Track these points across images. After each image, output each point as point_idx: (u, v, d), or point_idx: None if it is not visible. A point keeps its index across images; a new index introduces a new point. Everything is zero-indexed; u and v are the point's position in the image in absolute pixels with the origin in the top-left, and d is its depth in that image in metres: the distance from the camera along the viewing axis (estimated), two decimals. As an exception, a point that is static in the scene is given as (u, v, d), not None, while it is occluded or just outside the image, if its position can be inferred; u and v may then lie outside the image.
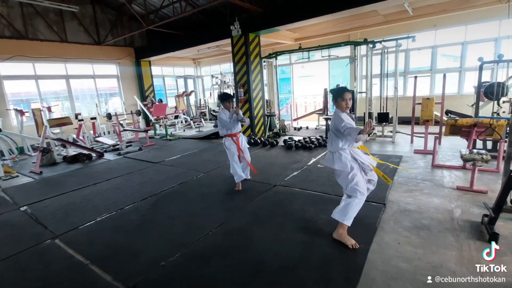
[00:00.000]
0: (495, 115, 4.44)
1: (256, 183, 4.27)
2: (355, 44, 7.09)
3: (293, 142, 6.62)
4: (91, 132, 8.71)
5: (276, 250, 2.54)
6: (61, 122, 7.51)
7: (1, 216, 3.76)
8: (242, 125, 4.11)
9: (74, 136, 8.02)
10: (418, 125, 6.01)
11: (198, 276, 2.29)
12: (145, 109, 10.34)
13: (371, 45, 6.70)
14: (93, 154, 6.90)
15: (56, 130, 7.70)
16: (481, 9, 7.15)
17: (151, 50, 11.13)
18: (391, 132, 6.78)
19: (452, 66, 8.44)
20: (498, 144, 4.09)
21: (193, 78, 14.85)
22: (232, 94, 8.54)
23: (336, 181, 2.75)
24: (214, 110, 13.31)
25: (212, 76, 13.00)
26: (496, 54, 5.68)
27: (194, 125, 10.96)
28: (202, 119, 11.73)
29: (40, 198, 4.30)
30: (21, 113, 7.72)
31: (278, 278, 2.20)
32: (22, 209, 3.94)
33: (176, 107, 11.68)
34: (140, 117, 10.09)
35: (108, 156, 7.03)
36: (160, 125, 9.93)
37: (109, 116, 8.72)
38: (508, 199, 2.56)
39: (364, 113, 7.11)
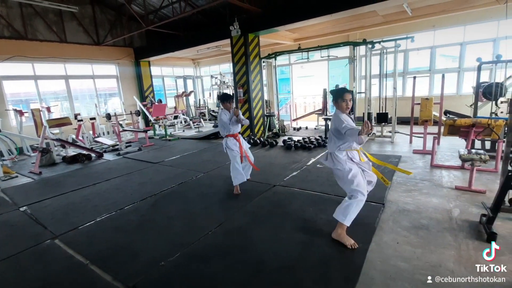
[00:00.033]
0: (493, 116, 4.46)
1: (256, 183, 4.28)
2: (354, 44, 7.12)
3: (293, 142, 6.63)
4: (91, 132, 8.71)
5: (275, 250, 2.55)
6: (61, 122, 7.50)
7: (1, 216, 3.75)
8: (241, 125, 4.09)
9: (74, 136, 8.02)
10: (417, 125, 6.03)
11: (197, 276, 2.29)
12: (144, 110, 10.34)
13: (370, 46, 6.72)
14: (93, 155, 6.90)
15: (56, 130, 7.70)
16: (479, 9, 7.17)
17: (151, 51, 11.13)
18: (390, 132, 6.80)
19: (450, 66, 8.47)
20: (496, 144, 4.11)
21: (192, 79, 14.86)
22: (231, 94, 8.54)
23: (335, 181, 2.76)
24: (213, 111, 13.32)
25: (212, 77, 13.01)
26: (495, 55, 5.69)
27: (194, 125, 10.97)
28: (202, 120, 11.73)
29: (39, 198, 4.30)
30: (21, 113, 7.72)
31: (278, 278, 2.20)
32: (21, 209, 3.94)
33: (175, 108, 11.68)
34: (140, 117, 10.09)
35: (108, 156, 7.03)
36: (159, 126, 9.93)
37: (108, 117, 8.72)
38: (506, 199, 2.57)
39: (363, 113, 7.13)
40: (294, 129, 9.37)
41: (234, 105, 3.92)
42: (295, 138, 7.25)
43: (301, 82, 11.96)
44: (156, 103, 10.44)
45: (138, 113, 9.88)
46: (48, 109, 8.44)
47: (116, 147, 7.68)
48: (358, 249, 2.45)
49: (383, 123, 6.94)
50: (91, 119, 9.02)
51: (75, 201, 4.13)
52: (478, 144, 4.95)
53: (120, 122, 9.17)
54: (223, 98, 3.90)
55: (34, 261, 2.67)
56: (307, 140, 6.72)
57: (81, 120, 8.10)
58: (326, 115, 8.22)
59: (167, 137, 9.14)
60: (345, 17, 7.02)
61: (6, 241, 3.10)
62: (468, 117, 5.00)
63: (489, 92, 4.80)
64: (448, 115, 5.71)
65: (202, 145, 7.75)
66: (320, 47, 7.69)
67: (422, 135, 5.56)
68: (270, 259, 2.43)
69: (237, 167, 3.92)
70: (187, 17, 8.71)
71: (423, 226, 2.76)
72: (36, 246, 2.91)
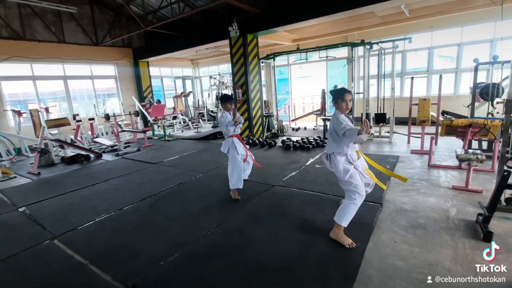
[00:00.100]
0: (489, 116, 4.49)
1: (255, 183, 4.30)
2: (353, 45, 7.15)
3: (291, 142, 6.65)
4: (89, 133, 8.70)
5: (274, 250, 2.57)
6: (59, 123, 7.48)
7: (0, 217, 3.75)
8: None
9: (72, 137, 8.01)
10: (414, 125, 6.07)
11: (197, 275, 2.31)
12: (143, 110, 10.33)
13: (368, 46, 6.76)
14: (91, 155, 6.90)
15: (54, 131, 7.68)
16: (476, 11, 7.22)
17: (149, 51, 11.13)
18: (388, 132, 6.84)
19: (448, 67, 8.52)
20: (493, 144, 4.14)
21: (191, 79, 14.86)
22: (231, 95, 8.55)
23: (334, 181, 2.79)
24: (212, 111, 13.31)
25: (210, 77, 13.00)
26: (491, 56, 5.74)
27: (192, 126, 10.97)
28: (201, 120, 11.74)
29: (38, 199, 4.30)
30: (19, 114, 7.71)
31: (277, 277, 2.22)
32: (20, 210, 3.93)
33: (174, 108, 11.68)
34: (138, 117, 10.08)
35: (106, 157, 7.03)
36: (158, 126, 9.92)
37: (107, 117, 8.72)
38: (502, 198, 2.60)
39: (362, 113, 7.17)
40: (293, 129, 9.39)
41: (233, 106, 3.94)
42: (294, 139, 7.27)
43: (300, 83, 11.99)
44: (155, 104, 10.44)
45: (137, 113, 9.87)
46: (47, 109, 8.43)
47: (115, 147, 7.67)
48: (356, 248, 2.47)
49: (381, 124, 6.98)
50: (89, 119, 9.00)
51: (74, 201, 4.13)
52: (475, 144, 4.99)
53: (119, 123, 9.16)
54: (224, 99, 3.90)
55: (34, 261, 2.68)
56: (305, 140, 6.74)
57: (80, 121, 8.09)
58: (325, 115, 8.25)
59: (166, 137, 9.14)
60: (344, 18, 7.06)
61: (5, 241, 3.10)
62: (465, 117, 5.04)
63: (486, 92, 4.84)
64: (445, 115, 5.75)
65: (201, 145, 7.76)
66: (318, 48, 7.72)
67: (419, 135, 5.60)
68: (270, 258, 2.45)
69: (240, 171, 3.82)
70: (186, 17, 8.72)
71: (421, 226, 2.79)
72: (36, 247, 2.91)
